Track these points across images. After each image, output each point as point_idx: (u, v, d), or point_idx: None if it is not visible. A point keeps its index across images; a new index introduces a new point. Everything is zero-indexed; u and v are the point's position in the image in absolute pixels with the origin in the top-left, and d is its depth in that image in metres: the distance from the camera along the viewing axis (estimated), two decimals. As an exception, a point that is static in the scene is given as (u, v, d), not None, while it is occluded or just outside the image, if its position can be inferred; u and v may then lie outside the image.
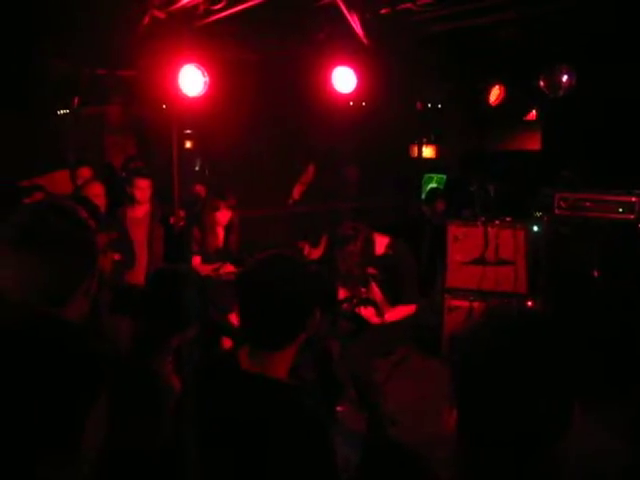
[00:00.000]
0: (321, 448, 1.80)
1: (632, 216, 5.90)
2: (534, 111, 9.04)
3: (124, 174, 7.02)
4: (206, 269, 5.72)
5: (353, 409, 5.01)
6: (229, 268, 5.79)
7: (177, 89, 5.94)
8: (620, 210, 5.94)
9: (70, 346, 1.54)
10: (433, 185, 9.42)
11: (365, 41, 6.22)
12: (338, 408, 5.10)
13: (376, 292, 4.87)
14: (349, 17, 5.95)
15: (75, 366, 1.51)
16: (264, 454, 1.76)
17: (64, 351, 1.51)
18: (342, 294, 5.07)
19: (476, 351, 1.26)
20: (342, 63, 6.78)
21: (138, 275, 5.58)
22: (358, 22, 6.06)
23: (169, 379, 2.30)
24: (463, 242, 6.45)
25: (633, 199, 5.92)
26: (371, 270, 4.89)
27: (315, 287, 1.95)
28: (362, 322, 4.92)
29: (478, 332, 1.30)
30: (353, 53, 6.64)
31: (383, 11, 6.01)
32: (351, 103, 7.85)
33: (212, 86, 6.08)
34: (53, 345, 1.50)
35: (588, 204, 6.11)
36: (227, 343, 4.91)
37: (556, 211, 6.23)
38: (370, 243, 4.75)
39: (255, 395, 1.84)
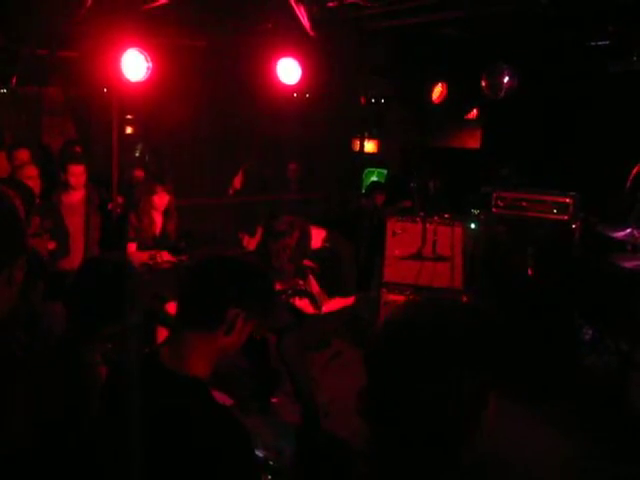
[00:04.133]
0: (234, 444, 1.80)
1: (566, 217, 6.05)
2: (475, 110, 9.18)
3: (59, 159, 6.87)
4: (142, 256, 5.63)
5: (288, 400, 5.02)
6: (166, 256, 5.70)
7: (119, 73, 5.83)
8: (555, 210, 6.08)
9: None
10: (374, 179, 9.49)
11: (311, 33, 6.22)
12: (273, 399, 5.10)
13: (313, 284, 4.89)
14: (296, 8, 5.94)
15: None
16: (177, 452, 1.75)
17: None
18: (277, 286, 5.07)
19: (379, 344, 1.28)
20: (287, 54, 6.77)
21: (74, 263, 5.46)
22: (305, 14, 6.06)
23: (97, 369, 2.26)
24: (401, 237, 6.51)
25: (567, 200, 6.06)
26: (308, 262, 4.90)
27: (252, 294, 1.97)
28: (299, 314, 4.93)
29: (385, 326, 1.30)
30: (299, 44, 6.64)
31: (330, 4, 6.03)
32: (295, 94, 7.84)
33: (155, 72, 5.99)
34: None
35: (524, 204, 6.24)
36: (163, 333, 4.85)
37: (493, 209, 6.35)
38: (305, 237, 4.75)
39: (167, 391, 1.84)
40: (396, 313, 1.33)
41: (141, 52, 5.90)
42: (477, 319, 1.28)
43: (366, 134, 10.20)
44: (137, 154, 9.68)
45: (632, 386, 4.87)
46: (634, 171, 6.56)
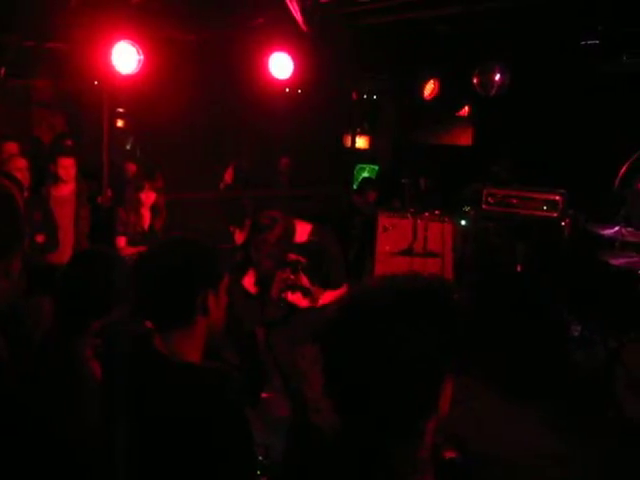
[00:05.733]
0: (237, 432, 1.81)
1: (555, 214, 6.08)
2: (466, 107, 9.20)
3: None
4: (131, 251, 5.61)
5: (278, 396, 5.02)
6: None
7: (110, 66, 5.80)
8: (544, 208, 6.11)
9: None
10: (365, 175, 9.48)
11: (304, 28, 6.20)
12: (263, 395, 5.10)
13: (303, 278, 4.89)
14: (289, 3, 5.92)
15: None
16: (180, 438, 1.76)
17: None
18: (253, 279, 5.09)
19: (333, 339, 1.29)
20: (280, 49, 6.75)
21: (63, 256, 5.43)
22: (298, 9, 6.04)
23: (88, 363, 2.26)
24: (392, 233, 6.53)
25: (557, 197, 6.09)
26: (293, 257, 4.90)
27: (204, 268, 1.97)
28: (291, 308, 4.93)
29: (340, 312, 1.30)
30: (291, 39, 6.62)
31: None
32: (287, 89, 7.83)
33: (146, 64, 5.97)
34: None
35: (514, 201, 6.26)
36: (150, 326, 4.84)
37: (484, 206, 6.37)
38: (288, 232, 4.74)
39: (163, 376, 1.85)
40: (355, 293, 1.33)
41: (132, 44, 5.87)
42: (437, 299, 1.27)
43: (358, 130, 10.20)
44: (128, 147, 9.65)
45: (619, 382, 4.90)
46: (622, 170, 6.60)
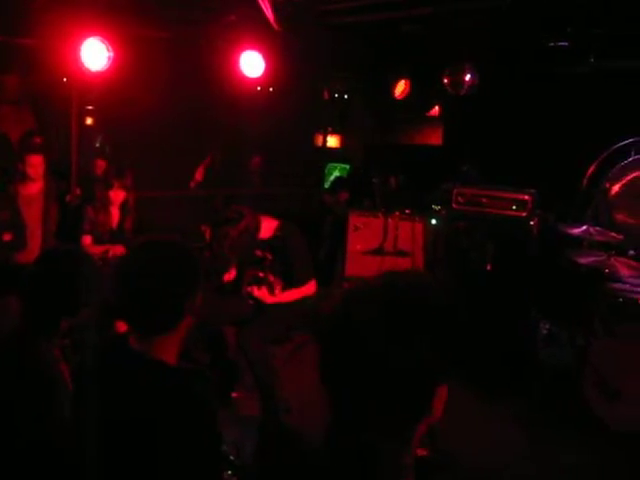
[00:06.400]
0: (208, 433, 1.81)
1: (524, 213, 6.13)
2: (437, 107, 9.25)
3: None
4: (97, 250, 5.54)
5: (248, 395, 5.01)
6: (120, 251, 5.60)
7: (79, 62, 5.74)
8: (514, 207, 6.16)
9: None
10: (337, 174, 9.50)
11: (275, 26, 6.19)
12: (233, 394, 5.09)
13: (269, 275, 4.90)
14: (261, 1, 5.90)
15: None
16: (153, 439, 1.75)
17: None
18: (231, 276, 5.08)
19: (328, 336, 1.28)
20: (251, 47, 6.73)
21: (31, 255, 5.35)
22: (269, 6, 6.03)
23: (56, 364, 2.23)
24: (363, 232, 6.56)
25: (526, 197, 6.15)
26: (259, 253, 4.91)
27: (191, 270, 1.94)
28: (259, 305, 4.93)
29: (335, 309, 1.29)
30: (263, 38, 6.61)
31: (295, -2, 6.02)
32: (259, 88, 7.81)
33: (117, 61, 5.91)
34: None
35: (484, 200, 6.31)
36: (122, 327, 4.80)
37: (454, 205, 6.41)
38: (252, 228, 4.74)
39: (144, 379, 1.83)
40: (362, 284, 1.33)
41: (102, 41, 5.80)
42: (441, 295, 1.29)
43: (329, 129, 10.21)
44: (97, 145, 9.55)
45: (586, 379, 4.96)
46: (590, 170, 6.70)
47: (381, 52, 7.58)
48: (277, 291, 4.83)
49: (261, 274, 4.93)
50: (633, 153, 6.56)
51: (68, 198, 6.05)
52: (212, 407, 1.86)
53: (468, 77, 7.09)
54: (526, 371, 5.80)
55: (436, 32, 6.99)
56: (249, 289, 4.91)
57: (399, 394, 1.19)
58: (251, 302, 4.95)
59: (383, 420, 1.21)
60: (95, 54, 5.78)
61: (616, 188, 6.58)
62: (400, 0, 5.89)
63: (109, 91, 6.96)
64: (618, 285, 5.51)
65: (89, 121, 9.51)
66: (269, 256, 4.93)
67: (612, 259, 5.11)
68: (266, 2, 5.96)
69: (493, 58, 7.12)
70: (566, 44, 6.59)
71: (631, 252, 5.75)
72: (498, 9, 5.60)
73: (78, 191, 6.23)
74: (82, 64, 5.74)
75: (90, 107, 9.26)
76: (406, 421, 1.23)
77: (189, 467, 1.76)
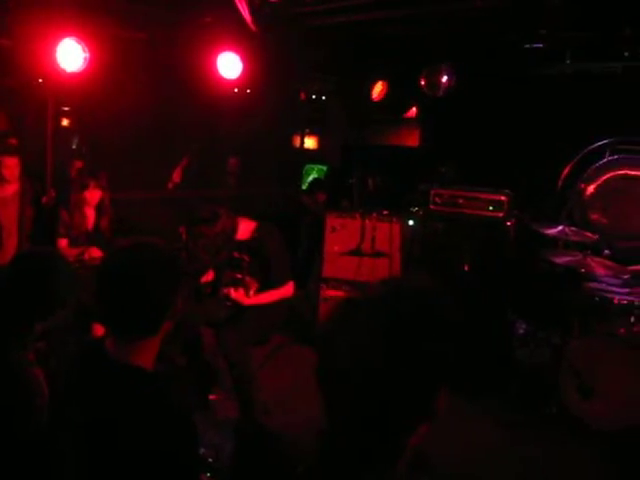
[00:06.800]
0: (184, 437, 1.80)
1: (501, 214, 6.19)
2: (414, 108, 9.28)
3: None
4: (73, 252, 5.50)
5: (226, 397, 5.00)
6: (95, 253, 5.56)
7: (55, 63, 5.69)
8: (490, 208, 6.22)
9: None
10: (314, 175, 9.51)
11: (253, 28, 6.18)
12: (211, 396, 5.08)
13: (247, 277, 4.89)
14: (237, 2, 5.89)
15: None
16: (129, 444, 1.74)
17: None
18: (208, 277, 5.07)
19: (327, 340, 1.27)
20: (228, 48, 6.72)
21: (6, 258, 5.31)
22: (247, 8, 6.02)
23: (31, 369, 2.21)
24: (340, 233, 6.56)
25: (502, 198, 6.20)
26: (236, 254, 4.90)
27: (173, 274, 1.93)
28: (237, 306, 4.92)
29: (332, 322, 1.30)
30: (240, 39, 6.59)
31: (272, -1, 6.01)
32: (236, 89, 7.79)
33: (93, 62, 5.87)
34: None
35: (461, 201, 6.35)
36: (99, 330, 4.77)
37: (431, 206, 6.46)
38: (229, 229, 4.72)
39: (118, 384, 1.82)
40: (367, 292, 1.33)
41: (78, 42, 5.76)
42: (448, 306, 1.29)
43: (306, 130, 10.21)
44: (74, 146, 9.48)
45: (563, 378, 5.01)
46: (565, 170, 6.77)
47: (358, 53, 7.59)
48: (252, 292, 4.82)
49: (238, 276, 4.91)
50: (607, 154, 6.65)
51: (44, 200, 6.00)
52: (186, 411, 1.84)
53: (445, 79, 7.13)
54: (503, 371, 5.84)
55: (413, 34, 7.02)
56: (226, 291, 4.90)
57: (395, 402, 1.19)
58: (228, 304, 4.94)
59: (377, 428, 1.21)
60: (71, 55, 5.74)
61: (591, 189, 6.66)
62: (377, 2, 5.90)
63: (85, 92, 6.90)
64: (594, 284, 5.57)
65: (65, 122, 9.43)
66: (247, 258, 4.91)
67: (587, 259, 5.16)
68: (243, 3, 5.94)
69: (470, 60, 7.16)
70: (541, 46, 6.65)
71: (606, 252, 5.81)
72: (473, 11, 5.63)
73: (53, 193, 6.17)
74: (58, 65, 5.69)
75: (66, 108, 9.19)
76: (400, 429, 1.23)
77: (167, 472, 1.76)
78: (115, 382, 1.82)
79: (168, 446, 1.75)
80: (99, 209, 5.80)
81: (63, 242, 5.65)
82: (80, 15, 5.78)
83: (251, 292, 4.81)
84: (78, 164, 7.35)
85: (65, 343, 2.40)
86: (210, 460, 3.19)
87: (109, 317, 1.90)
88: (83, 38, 5.79)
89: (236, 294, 4.85)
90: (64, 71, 5.77)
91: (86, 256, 5.46)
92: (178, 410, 1.81)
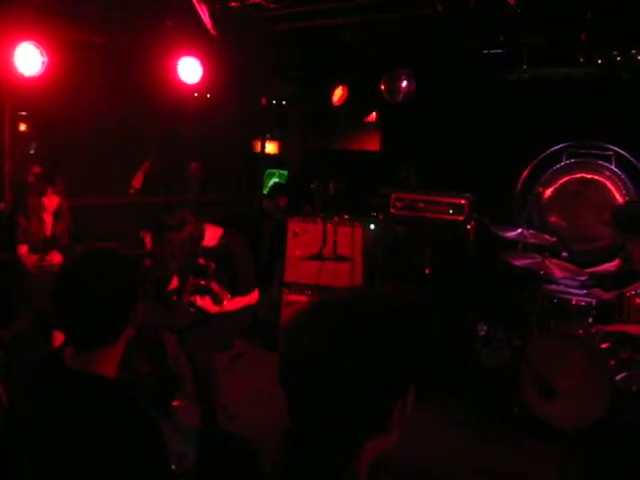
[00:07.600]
0: (151, 445, 1.78)
1: (461, 217, 6.26)
2: (374, 113, 9.33)
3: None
4: (32, 259, 5.42)
5: (189, 404, 4.97)
6: (56, 258, 5.49)
7: (12, 67, 5.61)
8: (451, 211, 6.28)
9: None
10: (276, 180, 9.50)
11: (213, 32, 6.17)
12: (174, 403, 5.04)
13: (213, 284, 4.87)
14: (198, 7, 5.88)
15: None
16: (94, 455, 1.72)
17: None
18: (174, 284, 5.03)
19: (288, 339, 1.28)
20: (189, 53, 6.70)
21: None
22: (207, 12, 6.01)
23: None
24: (302, 238, 6.57)
25: (463, 201, 6.27)
26: (201, 261, 4.88)
27: (135, 280, 1.91)
28: (201, 313, 4.89)
29: (294, 322, 1.30)
30: (200, 44, 6.58)
31: (233, 4, 6.00)
32: (196, 94, 7.76)
33: (51, 67, 5.80)
34: None
35: (421, 204, 6.41)
36: (59, 337, 4.70)
37: (392, 210, 6.50)
38: (196, 235, 4.71)
39: (81, 395, 1.79)
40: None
41: (36, 46, 5.69)
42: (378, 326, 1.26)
43: (267, 135, 10.20)
44: (32, 152, 9.34)
45: (524, 379, 5.07)
46: (524, 174, 6.87)
47: (319, 59, 7.62)
48: (226, 301, 4.80)
49: (202, 282, 4.89)
50: (564, 158, 6.77)
51: (1, 206, 5.90)
52: (155, 420, 1.83)
53: (405, 84, 7.19)
54: (464, 372, 5.90)
55: (373, 39, 7.07)
56: (192, 298, 4.87)
57: (351, 408, 1.19)
58: (192, 310, 4.91)
59: (337, 433, 1.21)
60: (29, 59, 5.66)
61: (548, 192, 6.78)
62: (338, 7, 5.94)
63: (43, 97, 6.80)
64: (552, 286, 5.67)
65: (23, 127, 9.29)
66: (212, 265, 4.89)
67: (546, 261, 5.24)
68: (203, 8, 5.94)
69: (430, 65, 7.24)
70: (500, 51, 6.75)
71: (564, 254, 5.92)
72: (433, 17, 5.70)
73: (10, 198, 6.07)
74: (15, 69, 5.61)
75: (24, 113, 9.05)
76: (360, 436, 1.23)
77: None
78: (76, 393, 1.79)
79: (137, 455, 1.73)
80: (56, 215, 5.72)
81: (23, 249, 5.56)
82: (38, 19, 5.71)
83: (225, 301, 4.79)
84: (36, 169, 7.24)
85: (24, 352, 2.37)
86: (173, 467, 3.17)
87: (68, 325, 1.87)
88: (41, 42, 5.73)
89: (202, 301, 4.83)
90: (22, 75, 5.69)
91: (46, 262, 5.38)
92: (145, 418, 1.80)
